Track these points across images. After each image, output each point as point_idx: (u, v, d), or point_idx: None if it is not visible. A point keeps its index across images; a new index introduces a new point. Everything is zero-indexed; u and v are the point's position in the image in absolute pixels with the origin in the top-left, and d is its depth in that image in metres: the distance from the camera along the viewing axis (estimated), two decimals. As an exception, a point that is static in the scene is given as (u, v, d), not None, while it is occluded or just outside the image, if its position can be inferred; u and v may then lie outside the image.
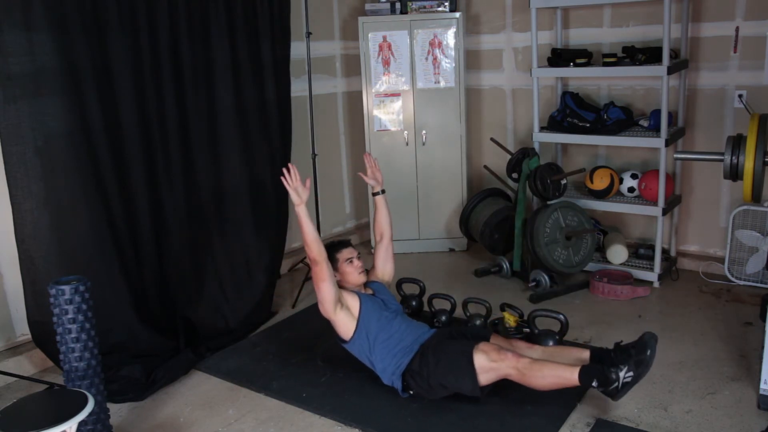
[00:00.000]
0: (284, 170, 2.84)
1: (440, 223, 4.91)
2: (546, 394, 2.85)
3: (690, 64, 4.08)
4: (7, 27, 2.81)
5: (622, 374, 2.54)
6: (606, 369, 2.57)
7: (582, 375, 2.59)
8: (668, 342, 3.35)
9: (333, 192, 5.06)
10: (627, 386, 2.55)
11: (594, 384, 2.58)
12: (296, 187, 2.82)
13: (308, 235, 2.81)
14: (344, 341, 2.97)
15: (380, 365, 2.92)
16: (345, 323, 2.92)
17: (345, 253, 3.10)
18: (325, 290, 2.85)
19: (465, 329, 3.13)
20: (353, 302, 2.95)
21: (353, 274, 3.08)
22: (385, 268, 3.32)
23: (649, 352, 2.58)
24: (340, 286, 3.00)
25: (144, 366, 3.16)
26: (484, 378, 2.72)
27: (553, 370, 2.65)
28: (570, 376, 2.61)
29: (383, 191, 3.31)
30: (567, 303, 3.87)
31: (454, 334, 3.00)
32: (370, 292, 3.15)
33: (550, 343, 3.11)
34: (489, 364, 2.70)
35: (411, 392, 2.88)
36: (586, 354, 2.80)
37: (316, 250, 2.81)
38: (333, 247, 3.12)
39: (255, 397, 3.04)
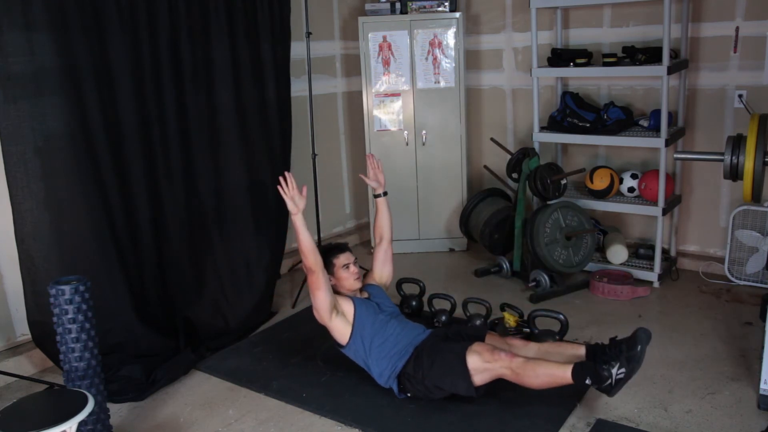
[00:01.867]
0: (281, 178, 2.83)
1: (440, 223, 4.91)
2: (546, 393, 2.86)
3: (690, 64, 4.08)
4: (7, 27, 2.81)
5: (614, 371, 2.54)
6: (599, 366, 2.57)
7: (575, 373, 2.59)
8: (668, 342, 3.35)
9: (333, 192, 5.06)
10: (621, 382, 2.55)
11: (588, 381, 2.58)
12: (293, 195, 2.82)
13: (304, 244, 2.81)
14: (341, 346, 2.98)
15: (377, 369, 2.93)
16: (340, 329, 2.93)
17: (342, 259, 3.08)
18: (321, 299, 2.85)
19: (460, 329, 3.10)
20: (348, 307, 2.95)
21: (349, 279, 3.06)
22: (383, 271, 3.30)
23: (639, 348, 2.57)
24: (336, 291, 3.00)
25: (144, 366, 3.16)
26: (479, 378, 2.72)
27: (546, 369, 2.64)
28: (563, 375, 2.60)
29: (385, 193, 3.29)
30: (567, 303, 3.87)
31: (449, 335, 2.99)
32: (365, 295, 3.14)
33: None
34: (482, 365, 2.69)
35: (408, 394, 2.88)
36: (581, 350, 2.79)
37: (312, 259, 2.81)
38: (330, 251, 3.10)
39: (255, 397, 3.04)
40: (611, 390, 2.56)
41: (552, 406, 2.80)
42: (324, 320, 2.92)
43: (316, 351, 3.36)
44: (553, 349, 2.86)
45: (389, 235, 3.29)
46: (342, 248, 3.15)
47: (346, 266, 3.07)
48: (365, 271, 3.36)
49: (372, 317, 2.95)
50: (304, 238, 2.81)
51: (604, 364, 2.58)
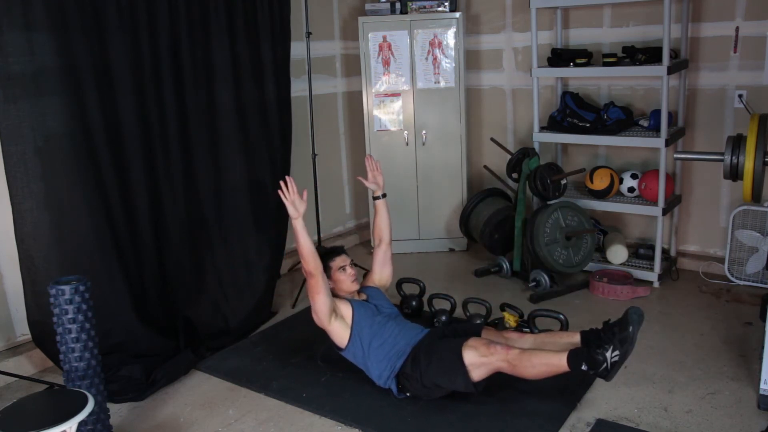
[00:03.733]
0: (281, 183, 2.85)
1: (440, 223, 4.91)
2: (546, 393, 2.86)
3: (690, 64, 4.08)
4: (7, 27, 2.81)
5: (608, 354, 2.53)
6: (593, 351, 2.56)
7: (570, 360, 2.58)
8: (668, 342, 3.35)
9: (333, 192, 5.06)
10: (616, 365, 2.54)
11: (584, 367, 2.56)
12: (294, 199, 2.85)
13: (304, 248, 2.83)
14: (340, 349, 2.99)
15: (376, 371, 2.93)
16: (339, 332, 2.94)
17: (338, 261, 3.11)
18: (320, 302, 2.86)
19: (457, 326, 3.11)
20: (346, 310, 2.96)
21: (346, 282, 3.09)
22: (383, 272, 3.32)
23: (631, 329, 2.56)
24: (334, 294, 3.00)
25: (144, 366, 3.16)
26: (477, 374, 2.71)
27: (542, 359, 2.63)
28: (559, 362, 2.60)
29: (384, 195, 3.31)
30: (567, 303, 3.87)
31: (446, 333, 2.99)
32: (363, 297, 3.15)
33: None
34: (479, 359, 2.69)
35: (407, 394, 2.88)
36: (576, 338, 2.78)
37: (312, 263, 2.83)
38: (326, 255, 3.11)
39: (255, 397, 3.04)
40: (608, 374, 2.55)
41: (552, 405, 2.80)
42: (323, 324, 2.92)
43: (316, 351, 3.36)
44: (548, 339, 2.86)
45: (388, 237, 3.31)
46: (338, 251, 3.18)
47: (343, 268, 3.09)
48: (365, 272, 3.35)
49: (370, 319, 2.96)
50: (304, 242, 2.83)
51: (598, 348, 2.56)
